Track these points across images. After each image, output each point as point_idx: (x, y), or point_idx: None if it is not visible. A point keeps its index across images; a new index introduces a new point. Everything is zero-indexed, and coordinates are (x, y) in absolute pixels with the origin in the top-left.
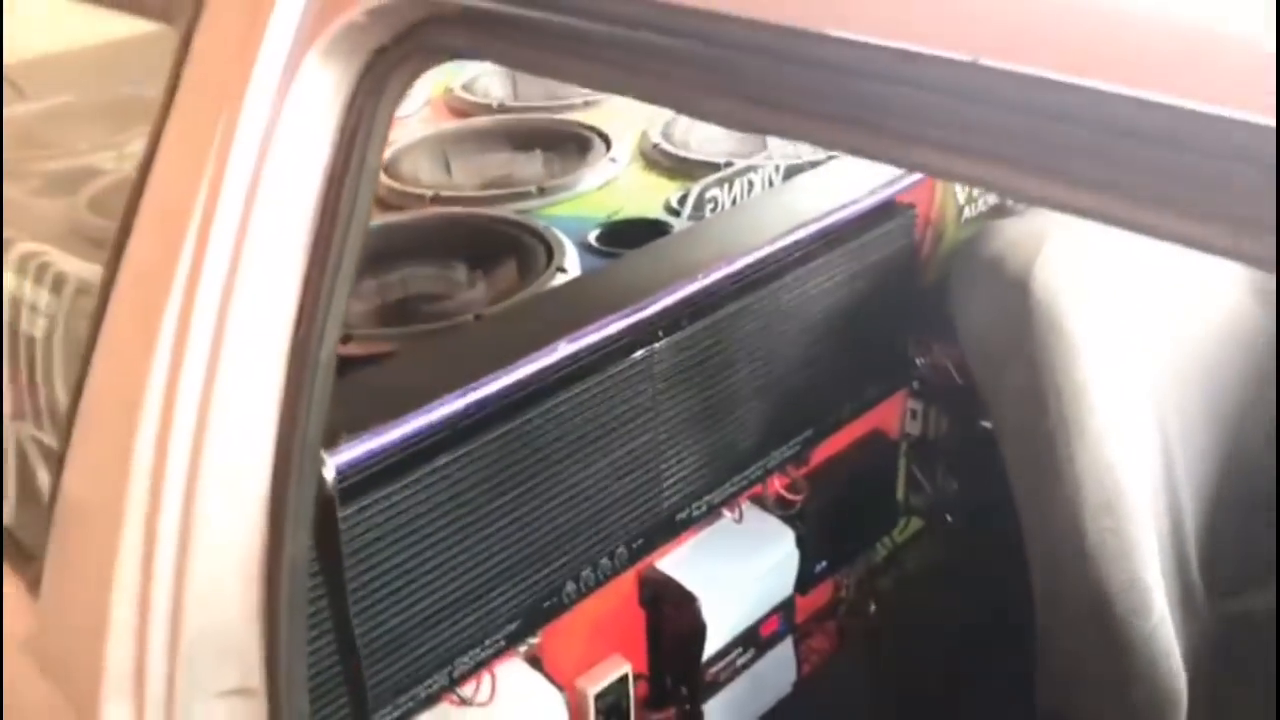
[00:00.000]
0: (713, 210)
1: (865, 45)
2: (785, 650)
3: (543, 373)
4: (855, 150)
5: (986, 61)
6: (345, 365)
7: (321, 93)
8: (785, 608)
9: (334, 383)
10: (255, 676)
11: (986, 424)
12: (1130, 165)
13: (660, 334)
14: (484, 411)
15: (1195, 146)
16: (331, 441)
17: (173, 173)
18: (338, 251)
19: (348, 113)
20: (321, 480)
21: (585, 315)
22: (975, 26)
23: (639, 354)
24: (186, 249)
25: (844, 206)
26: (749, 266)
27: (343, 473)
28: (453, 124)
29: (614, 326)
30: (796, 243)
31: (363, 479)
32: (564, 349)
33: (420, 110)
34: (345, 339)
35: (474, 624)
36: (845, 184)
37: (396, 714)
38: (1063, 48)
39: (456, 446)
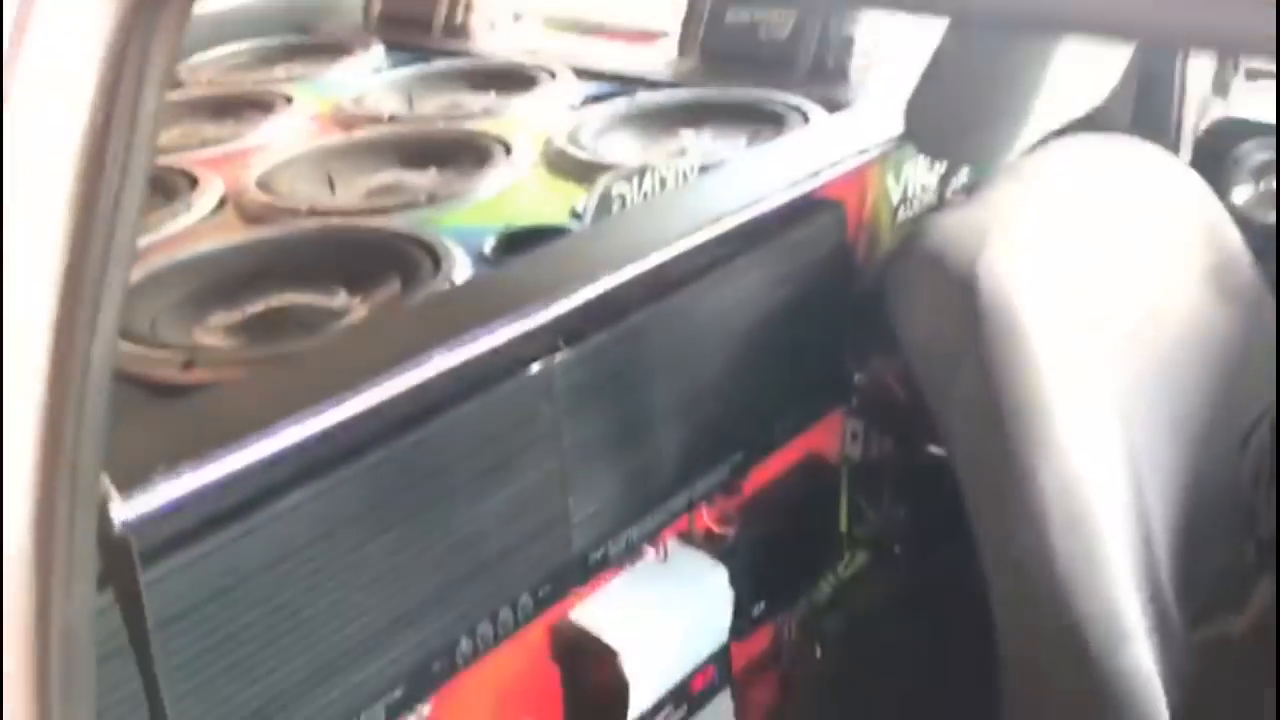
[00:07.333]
0: (620, 210)
1: None
2: (723, 705)
3: (416, 390)
4: None
5: None
6: (183, 393)
7: (74, 19)
8: (720, 657)
9: (168, 411)
10: None
11: (935, 449)
12: None
13: (561, 343)
14: (345, 438)
15: None
16: (141, 479)
17: None
18: (107, 224)
19: (113, 46)
20: (106, 521)
21: (469, 323)
22: None
23: (535, 367)
24: None
25: (763, 200)
26: (661, 266)
27: (157, 517)
28: (338, 137)
29: (502, 334)
30: (713, 240)
31: (187, 524)
32: (440, 360)
33: (305, 126)
34: (187, 364)
35: (344, 695)
36: (766, 179)
37: None
38: None
39: (308, 481)
